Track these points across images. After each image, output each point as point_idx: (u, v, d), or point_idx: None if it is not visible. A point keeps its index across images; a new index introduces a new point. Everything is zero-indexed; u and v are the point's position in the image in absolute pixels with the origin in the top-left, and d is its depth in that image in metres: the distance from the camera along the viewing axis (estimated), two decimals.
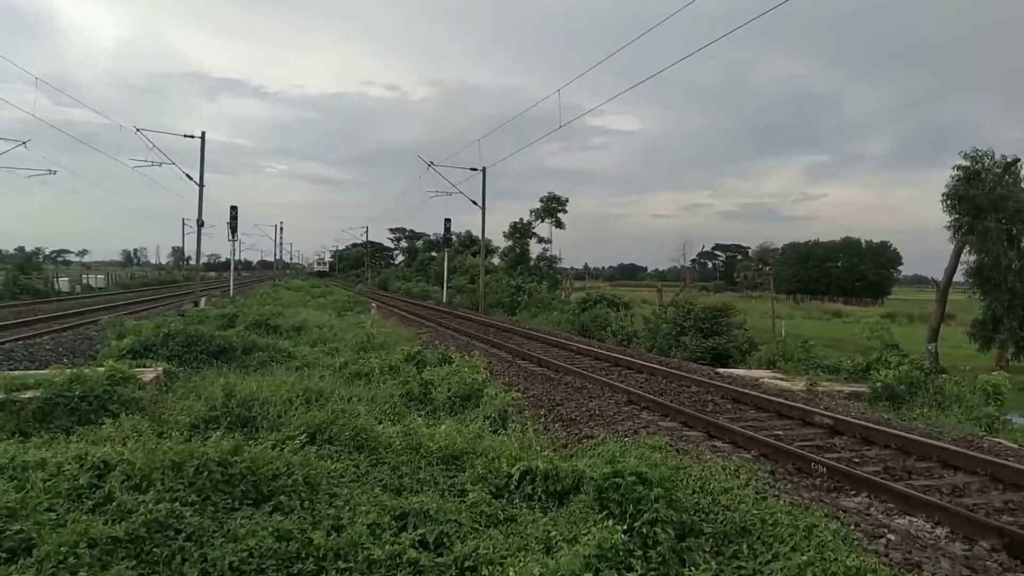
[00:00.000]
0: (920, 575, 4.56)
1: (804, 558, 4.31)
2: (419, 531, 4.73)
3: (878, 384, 13.21)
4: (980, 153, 25.59)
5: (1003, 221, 24.56)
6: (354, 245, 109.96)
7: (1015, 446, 9.19)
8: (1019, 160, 25.20)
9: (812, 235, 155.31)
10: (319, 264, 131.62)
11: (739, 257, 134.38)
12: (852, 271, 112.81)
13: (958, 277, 27.60)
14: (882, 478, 7.24)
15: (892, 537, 5.57)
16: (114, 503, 4.67)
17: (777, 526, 4.86)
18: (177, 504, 4.63)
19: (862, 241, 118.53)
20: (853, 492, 6.90)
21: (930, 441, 8.63)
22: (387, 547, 4.41)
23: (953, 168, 25.94)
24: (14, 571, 3.78)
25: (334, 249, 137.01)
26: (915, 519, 6.13)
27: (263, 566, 4.25)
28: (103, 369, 8.50)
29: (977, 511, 6.33)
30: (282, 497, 5.11)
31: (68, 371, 8.13)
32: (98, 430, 6.77)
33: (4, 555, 4.00)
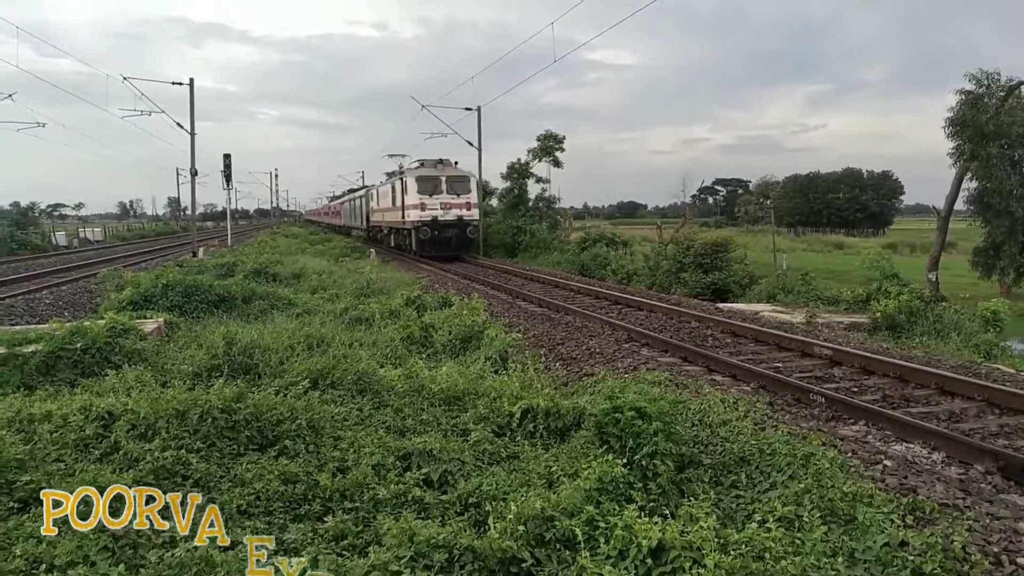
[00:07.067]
0: (915, 498, 4.64)
1: (801, 486, 4.39)
2: (423, 470, 4.81)
3: (878, 314, 13.25)
4: (986, 75, 24.82)
5: (1006, 147, 24.08)
6: (351, 190, 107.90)
7: (1012, 371, 9.27)
8: (1022, 83, 24.47)
9: (813, 166, 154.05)
10: (444, 207, 29.92)
11: (740, 191, 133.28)
12: (853, 202, 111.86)
13: (959, 205, 27.29)
14: (880, 406, 7.32)
15: (889, 463, 5.66)
16: (121, 452, 4.74)
17: (775, 456, 4.94)
18: (183, 451, 4.70)
19: (863, 171, 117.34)
20: (851, 421, 6.98)
21: (928, 369, 8.70)
22: (392, 486, 4.49)
23: (956, 92, 25.16)
24: (27, 519, 3.85)
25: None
26: (912, 445, 6.22)
27: (271, 508, 4.34)
28: (104, 321, 8.53)
29: (973, 436, 6.42)
30: (287, 441, 5.19)
31: (69, 324, 8.16)
32: (102, 381, 6.85)
33: (16, 505, 4.09)
